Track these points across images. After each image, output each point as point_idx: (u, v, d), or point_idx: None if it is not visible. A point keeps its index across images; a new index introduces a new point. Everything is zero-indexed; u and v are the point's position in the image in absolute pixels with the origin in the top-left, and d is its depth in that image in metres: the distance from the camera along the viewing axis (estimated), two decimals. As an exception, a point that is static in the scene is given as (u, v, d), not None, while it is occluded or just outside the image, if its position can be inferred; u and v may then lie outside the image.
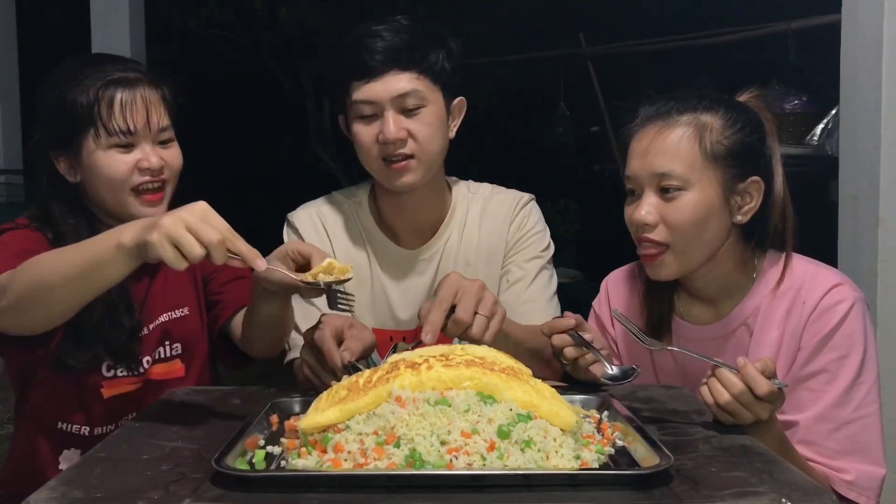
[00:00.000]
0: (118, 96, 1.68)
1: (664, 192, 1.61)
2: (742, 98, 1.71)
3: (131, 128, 1.69)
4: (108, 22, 4.22)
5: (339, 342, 1.55)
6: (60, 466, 1.76)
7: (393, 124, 1.75)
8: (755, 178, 1.63)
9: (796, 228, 1.69)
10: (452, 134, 1.87)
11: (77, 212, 1.75)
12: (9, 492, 1.78)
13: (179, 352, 1.86)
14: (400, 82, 1.75)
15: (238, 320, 1.85)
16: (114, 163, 1.69)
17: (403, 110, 1.76)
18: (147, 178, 1.71)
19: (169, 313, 1.85)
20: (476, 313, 1.50)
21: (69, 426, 1.77)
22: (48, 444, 1.78)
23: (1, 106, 4.73)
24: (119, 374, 1.78)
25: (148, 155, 1.71)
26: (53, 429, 1.77)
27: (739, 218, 1.64)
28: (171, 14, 7.18)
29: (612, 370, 1.48)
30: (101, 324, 1.69)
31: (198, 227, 1.25)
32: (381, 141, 1.76)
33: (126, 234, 1.30)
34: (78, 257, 1.36)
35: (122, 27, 4.22)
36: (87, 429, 1.77)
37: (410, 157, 1.78)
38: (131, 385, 1.79)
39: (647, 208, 1.62)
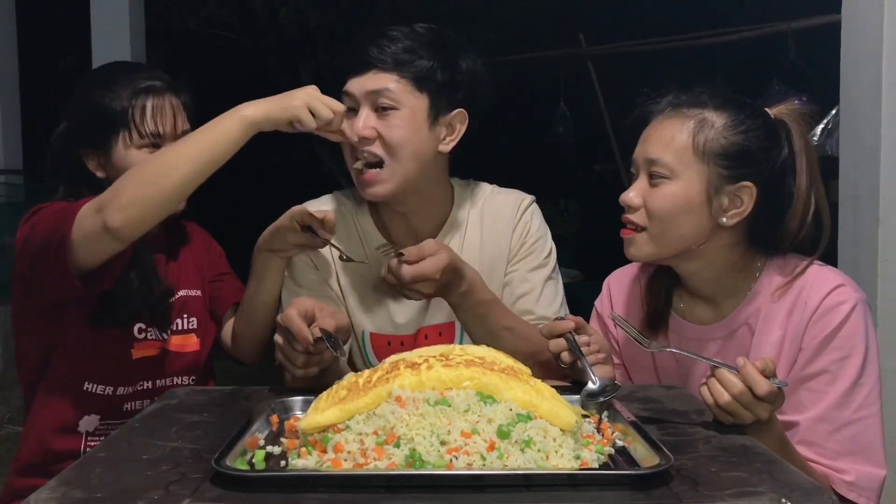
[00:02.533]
0: (150, 103, 1.85)
1: (651, 178, 1.64)
2: (777, 109, 1.70)
3: (160, 131, 1.85)
4: (108, 22, 4.22)
5: (311, 324, 1.56)
6: (79, 429, 1.84)
7: (362, 120, 1.76)
8: (747, 183, 1.62)
9: (826, 236, 1.67)
10: (446, 147, 1.82)
11: None
12: (28, 476, 1.83)
13: (195, 326, 1.98)
14: (377, 81, 1.75)
15: (227, 327, 2.01)
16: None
17: (376, 109, 1.76)
18: None
19: (186, 290, 1.99)
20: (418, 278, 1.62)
21: (94, 387, 1.84)
22: (69, 408, 1.84)
23: (1, 106, 4.72)
24: (149, 336, 1.90)
25: None
26: (79, 390, 1.84)
27: (724, 220, 1.63)
28: (171, 14, 7.18)
29: (593, 384, 1.46)
30: (140, 288, 1.85)
31: (326, 100, 1.64)
32: (349, 136, 1.76)
33: (247, 109, 1.61)
34: (200, 139, 1.62)
35: (122, 27, 4.22)
36: (111, 389, 1.85)
37: (379, 163, 1.76)
38: (154, 350, 1.90)
39: (634, 191, 1.66)
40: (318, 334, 1.52)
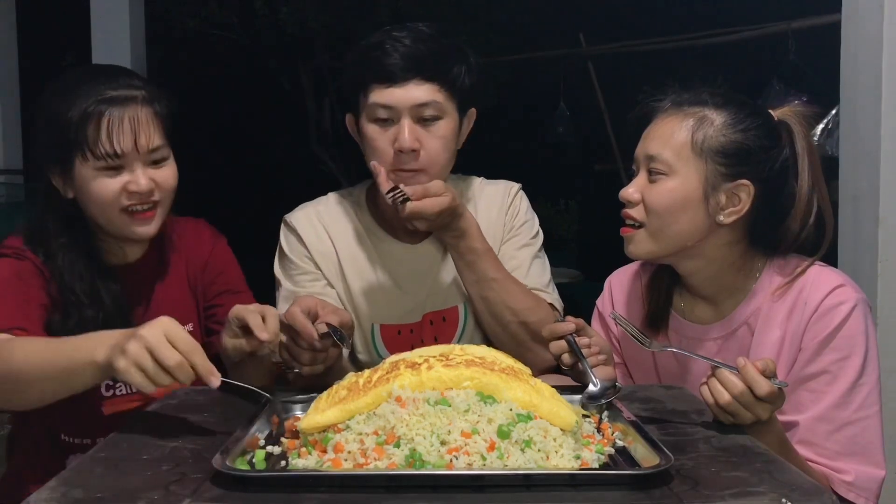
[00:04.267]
0: (105, 118, 1.63)
1: (650, 174, 1.65)
2: (780, 111, 1.70)
3: (118, 150, 1.64)
4: (109, 22, 4.21)
5: (315, 321, 1.57)
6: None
7: (408, 133, 1.74)
8: (745, 181, 1.62)
9: (828, 238, 1.68)
10: (460, 145, 1.87)
11: (73, 226, 1.72)
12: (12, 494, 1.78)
13: None
14: (421, 92, 1.75)
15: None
16: (102, 186, 1.66)
17: (419, 120, 1.76)
18: (136, 200, 1.68)
19: None
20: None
21: (72, 439, 1.76)
22: (52, 452, 1.76)
23: (1, 106, 4.72)
24: (118, 392, 1.76)
25: (137, 178, 1.66)
26: (57, 439, 1.77)
27: (721, 218, 1.64)
28: (171, 14, 7.17)
29: (594, 386, 1.47)
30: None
31: (159, 352, 1.29)
32: (397, 148, 1.75)
33: (100, 351, 1.34)
34: (55, 359, 1.39)
35: (122, 28, 4.22)
36: (89, 440, 1.74)
37: (419, 171, 1.77)
38: (133, 402, 1.76)
39: (634, 187, 1.68)
40: (324, 329, 1.52)
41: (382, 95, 1.75)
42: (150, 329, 1.31)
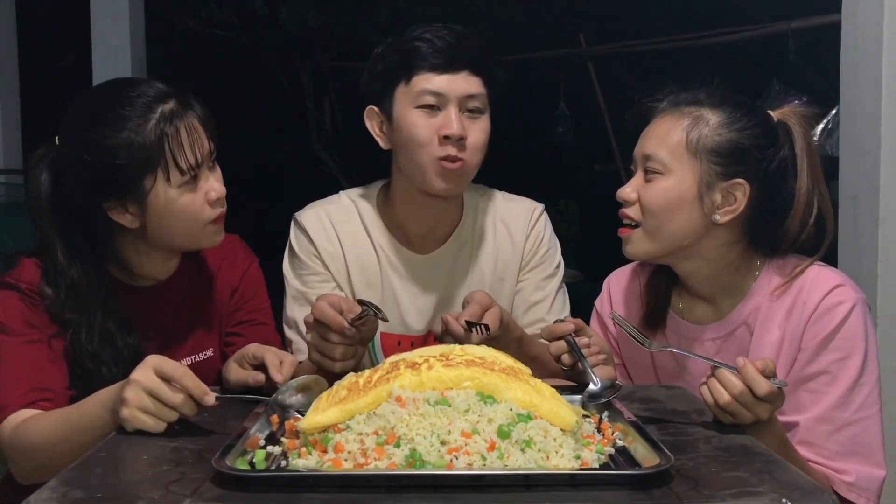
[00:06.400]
0: (179, 132, 1.56)
1: (647, 173, 1.66)
2: (780, 111, 1.70)
3: (199, 159, 1.58)
4: (108, 22, 4.21)
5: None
6: None
7: (456, 120, 1.74)
8: (740, 180, 1.62)
9: (828, 239, 1.68)
10: None
11: (90, 263, 1.64)
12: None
13: None
14: (470, 84, 1.76)
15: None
16: (189, 202, 1.59)
17: (464, 111, 1.76)
18: (219, 209, 1.64)
19: (192, 357, 1.76)
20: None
21: None
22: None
23: (1, 106, 4.72)
24: None
25: (212, 185, 1.62)
26: None
27: (717, 217, 1.64)
28: (171, 14, 7.18)
29: (594, 385, 1.47)
30: (113, 380, 1.53)
31: (159, 392, 1.32)
32: (443, 135, 1.74)
33: (109, 409, 1.37)
34: (67, 432, 1.43)
35: (122, 27, 4.22)
36: None
37: (462, 160, 1.76)
38: None
39: (630, 186, 1.68)
40: (358, 310, 1.52)
41: (432, 82, 1.74)
42: (143, 371, 1.34)
